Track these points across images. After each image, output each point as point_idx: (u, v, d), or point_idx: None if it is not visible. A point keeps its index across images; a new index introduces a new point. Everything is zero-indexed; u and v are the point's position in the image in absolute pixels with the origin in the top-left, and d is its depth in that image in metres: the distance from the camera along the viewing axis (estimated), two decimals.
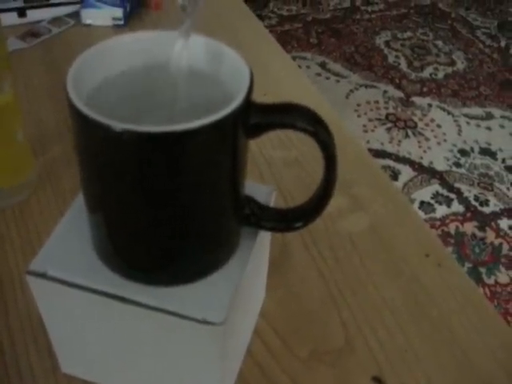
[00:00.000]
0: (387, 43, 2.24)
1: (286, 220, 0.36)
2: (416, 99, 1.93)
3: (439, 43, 2.25)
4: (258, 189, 0.38)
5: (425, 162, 1.66)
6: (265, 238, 0.39)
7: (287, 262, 0.51)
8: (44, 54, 0.79)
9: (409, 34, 2.31)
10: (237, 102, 0.28)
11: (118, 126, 0.27)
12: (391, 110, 1.87)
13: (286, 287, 0.49)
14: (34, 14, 0.84)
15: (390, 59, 2.14)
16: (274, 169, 0.60)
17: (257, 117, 0.30)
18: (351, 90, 1.97)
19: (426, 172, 1.63)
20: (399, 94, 1.96)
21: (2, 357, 0.43)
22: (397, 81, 2.02)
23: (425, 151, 1.70)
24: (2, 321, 0.45)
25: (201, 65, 0.33)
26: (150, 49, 0.33)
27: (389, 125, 1.81)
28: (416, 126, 1.81)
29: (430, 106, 1.91)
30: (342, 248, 0.52)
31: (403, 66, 2.11)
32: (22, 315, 0.46)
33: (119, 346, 0.36)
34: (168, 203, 0.30)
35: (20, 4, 0.83)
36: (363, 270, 0.50)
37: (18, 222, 0.54)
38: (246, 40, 0.83)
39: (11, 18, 0.83)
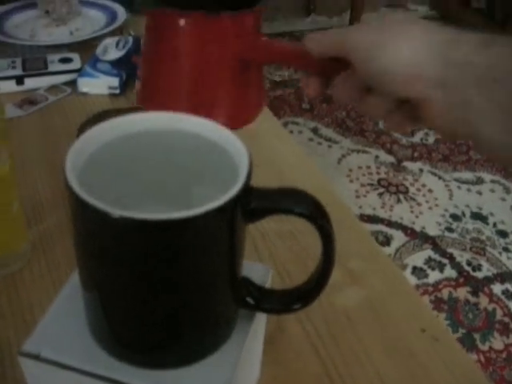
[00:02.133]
0: None
1: (284, 302, 0.35)
2: (407, 164, 1.96)
3: None
4: (255, 268, 0.38)
5: (417, 227, 1.67)
6: (261, 318, 0.39)
7: (282, 338, 0.50)
8: (41, 121, 0.80)
9: None
10: (236, 188, 0.29)
11: (115, 212, 0.27)
12: (383, 175, 1.89)
13: (281, 364, 0.48)
14: (31, 82, 0.85)
15: (381, 124, 2.18)
16: (268, 241, 0.60)
17: (256, 203, 0.30)
18: (343, 155, 1.99)
19: (419, 237, 1.63)
20: (391, 159, 1.98)
21: None
22: (388, 146, 2.05)
23: (417, 216, 1.71)
24: None
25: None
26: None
27: (381, 190, 1.82)
28: (408, 190, 1.82)
29: (421, 170, 1.93)
30: (337, 323, 0.52)
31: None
32: None
33: None
34: (165, 288, 0.30)
35: (19, 72, 0.85)
36: (359, 345, 0.50)
37: (11, 294, 0.53)
38: None
39: (9, 86, 0.84)
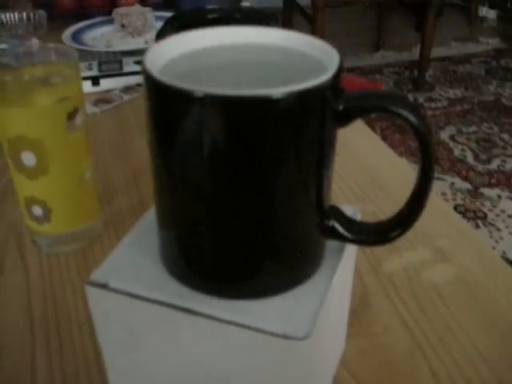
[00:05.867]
0: (452, 137, 2.22)
1: (378, 231, 0.31)
2: (484, 190, 1.87)
3: (505, 136, 2.21)
4: (342, 208, 0.35)
5: (497, 253, 1.58)
6: (350, 257, 0.35)
7: (368, 311, 0.46)
8: (115, 117, 0.80)
9: (474, 128, 2.28)
10: (331, 72, 0.26)
11: (200, 90, 0.24)
12: (460, 202, 1.82)
13: (368, 336, 0.43)
14: (107, 83, 0.86)
15: (456, 152, 2.11)
16: None
17: (346, 102, 0.27)
18: None
19: None
20: (467, 185, 1.90)
21: None
22: (464, 173, 1.97)
23: (497, 241, 1.62)
24: (57, 362, 0.42)
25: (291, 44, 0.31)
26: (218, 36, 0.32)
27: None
28: (486, 216, 1.74)
29: (499, 196, 1.84)
30: (427, 298, 0.47)
31: (470, 158, 2.07)
32: (78, 358, 0.42)
33: (184, 367, 0.31)
34: (246, 196, 0.27)
35: (94, 73, 0.85)
36: (452, 319, 0.45)
37: (81, 268, 0.51)
38: None
39: (86, 87, 0.85)
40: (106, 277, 0.31)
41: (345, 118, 0.28)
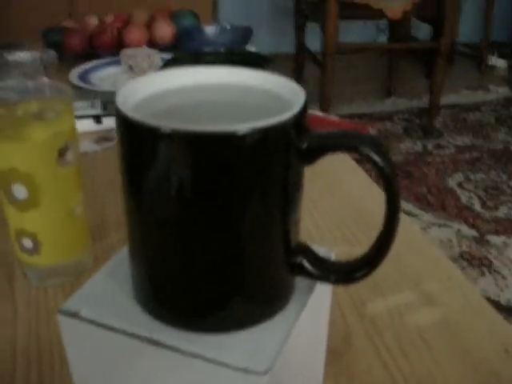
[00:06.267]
0: (460, 184, 2.22)
1: (346, 270, 0.32)
2: (491, 238, 1.86)
3: None
4: (315, 248, 0.35)
5: (503, 301, 1.56)
6: (324, 296, 0.35)
7: (350, 352, 0.46)
8: (114, 155, 0.81)
9: (482, 175, 2.28)
10: (295, 110, 0.27)
11: (166, 126, 0.25)
12: (465, 249, 1.80)
13: (347, 377, 0.43)
14: (109, 122, 0.88)
15: (464, 199, 2.10)
16: None
17: (311, 140, 0.28)
18: (423, 229, 1.92)
19: (505, 311, 1.52)
20: (473, 232, 1.89)
21: None
22: (471, 220, 1.97)
23: (502, 290, 1.60)
24: None
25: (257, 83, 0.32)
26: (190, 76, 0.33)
27: (463, 263, 1.73)
28: (492, 264, 1.72)
29: (505, 244, 1.83)
30: (410, 343, 0.47)
31: (477, 206, 2.06)
32: None
33: None
34: (212, 233, 0.28)
35: (97, 111, 0.87)
36: (434, 365, 0.44)
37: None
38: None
39: (88, 125, 0.87)
40: (78, 306, 0.32)
41: (309, 156, 0.28)
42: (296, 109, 0.27)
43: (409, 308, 0.50)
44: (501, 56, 3.52)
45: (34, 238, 0.50)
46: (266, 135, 0.26)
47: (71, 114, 0.50)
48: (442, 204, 2.10)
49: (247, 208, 0.27)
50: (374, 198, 0.70)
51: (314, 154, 0.28)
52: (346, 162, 0.79)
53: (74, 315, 0.31)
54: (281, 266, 0.31)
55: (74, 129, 0.50)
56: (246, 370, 0.27)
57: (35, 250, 0.51)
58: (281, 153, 0.27)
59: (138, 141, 0.27)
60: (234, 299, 0.30)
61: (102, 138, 0.85)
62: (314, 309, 0.33)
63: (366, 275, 0.31)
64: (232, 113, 0.30)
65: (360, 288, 0.53)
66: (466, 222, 1.97)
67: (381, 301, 0.51)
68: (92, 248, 0.57)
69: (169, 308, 0.31)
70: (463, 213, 2.02)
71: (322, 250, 0.35)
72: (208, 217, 0.27)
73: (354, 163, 0.79)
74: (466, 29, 3.54)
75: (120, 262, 0.35)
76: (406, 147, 2.56)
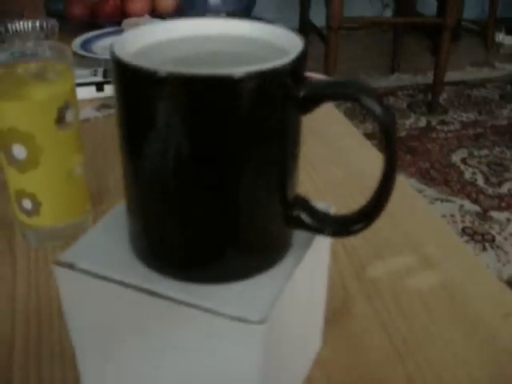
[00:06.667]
0: (464, 160, 2.21)
1: (344, 223, 0.32)
2: (494, 214, 1.86)
3: None
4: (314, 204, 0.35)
5: (505, 276, 1.56)
6: (322, 252, 0.35)
7: (348, 314, 0.46)
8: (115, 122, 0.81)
9: (485, 151, 2.27)
10: (292, 56, 0.26)
11: (163, 69, 0.25)
12: (468, 224, 1.80)
13: (346, 338, 0.43)
14: (110, 89, 0.87)
15: (467, 175, 2.10)
16: None
17: (308, 86, 0.28)
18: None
19: (507, 285, 1.52)
20: (476, 208, 1.89)
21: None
22: (474, 196, 1.96)
23: (504, 264, 1.61)
24: (34, 348, 0.42)
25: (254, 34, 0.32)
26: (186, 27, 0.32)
27: (466, 238, 1.73)
28: (494, 239, 1.72)
29: (508, 220, 1.82)
30: (409, 304, 0.47)
31: (480, 181, 2.05)
32: (55, 345, 0.43)
33: (147, 348, 0.32)
34: (209, 181, 0.27)
35: (99, 79, 0.87)
36: (432, 326, 0.45)
37: None
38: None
39: (90, 92, 0.86)
40: (75, 258, 0.32)
41: (306, 105, 0.28)
42: (293, 55, 0.27)
43: (409, 272, 0.50)
44: (508, 33, 3.48)
45: (33, 198, 0.50)
46: (262, 80, 0.26)
47: (71, 74, 0.50)
48: (445, 179, 2.09)
49: (243, 156, 0.27)
50: (372, 161, 0.70)
51: (310, 102, 0.28)
52: (346, 128, 0.79)
53: (71, 266, 0.31)
54: (278, 218, 0.31)
55: (73, 89, 0.50)
56: (241, 319, 0.27)
57: (34, 210, 0.51)
58: (277, 100, 0.27)
59: (134, 87, 0.27)
60: (230, 250, 0.30)
61: (104, 105, 0.85)
62: (311, 263, 0.33)
63: (363, 228, 0.30)
64: (231, 61, 0.30)
65: (360, 252, 0.53)
66: (468, 197, 1.96)
67: (381, 264, 0.51)
68: (91, 212, 0.57)
69: (165, 259, 0.31)
70: (466, 188, 2.02)
71: (320, 205, 0.35)
72: (204, 165, 0.27)
73: (354, 129, 0.79)
74: (472, 5, 3.51)
75: (116, 215, 0.35)
76: (409, 123, 2.55)
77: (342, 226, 0.31)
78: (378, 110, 0.27)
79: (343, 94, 0.28)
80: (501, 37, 3.50)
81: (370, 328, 0.44)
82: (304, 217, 0.31)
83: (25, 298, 0.47)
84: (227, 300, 0.29)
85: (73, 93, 0.50)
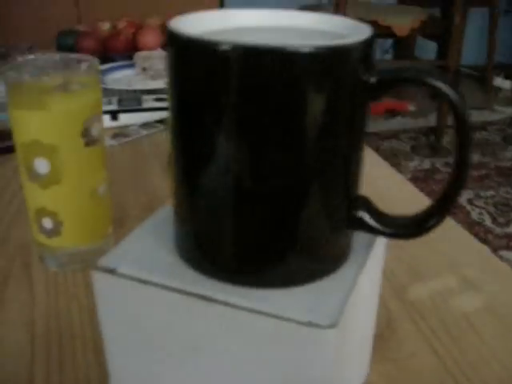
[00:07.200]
0: (470, 201, 2.19)
1: (413, 223, 0.29)
2: (503, 253, 1.83)
3: None
4: None
5: None
6: (380, 253, 0.33)
7: (394, 337, 0.42)
8: (132, 150, 0.79)
9: (491, 192, 2.26)
10: (361, 37, 0.24)
11: (227, 41, 0.23)
12: None
13: (394, 361, 0.40)
14: (125, 118, 0.85)
15: (474, 216, 2.08)
16: None
17: (381, 71, 0.26)
18: None
19: None
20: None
21: None
22: (482, 235, 1.94)
23: None
24: (56, 381, 0.39)
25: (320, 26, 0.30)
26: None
27: None
28: None
29: None
30: (456, 325, 0.44)
31: (488, 221, 2.03)
32: (79, 377, 0.39)
33: (197, 365, 0.28)
34: (269, 174, 0.25)
35: (114, 107, 0.85)
36: (485, 348, 0.41)
37: (88, 286, 0.49)
38: None
39: (105, 121, 0.84)
40: (116, 262, 0.29)
41: (376, 90, 0.26)
42: (363, 36, 0.25)
43: (451, 293, 0.48)
44: (506, 77, 3.52)
45: (54, 217, 0.47)
46: (333, 57, 0.24)
47: (97, 86, 0.48)
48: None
49: (308, 143, 0.25)
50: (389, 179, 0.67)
51: (381, 87, 0.26)
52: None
53: (112, 271, 0.28)
54: (340, 219, 0.28)
55: (99, 102, 0.48)
56: (311, 324, 0.25)
57: (55, 230, 0.48)
58: (347, 82, 0.25)
59: (196, 62, 0.24)
60: (289, 252, 0.27)
61: (119, 134, 0.83)
62: (372, 268, 0.31)
63: (435, 224, 0.28)
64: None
65: (398, 273, 0.50)
66: (477, 237, 1.93)
67: (421, 286, 0.48)
68: (113, 236, 0.54)
69: (219, 261, 0.28)
70: (474, 229, 1.99)
71: None
72: (264, 153, 0.25)
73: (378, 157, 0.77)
74: (470, 51, 3.55)
75: (157, 220, 0.33)
76: (414, 165, 2.54)
77: (414, 227, 0.29)
78: (449, 92, 0.25)
79: (414, 78, 0.26)
80: (499, 81, 3.53)
81: (418, 351, 0.41)
82: (368, 218, 0.29)
83: (44, 323, 0.44)
84: (292, 304, 0.26)
85: (99, 106, 0.47)
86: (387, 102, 2.79)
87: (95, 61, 0.48)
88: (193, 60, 0.25)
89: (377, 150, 2.74)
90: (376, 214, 0.29)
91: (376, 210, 0.29)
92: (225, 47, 0.23)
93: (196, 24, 0.27)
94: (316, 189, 0.26)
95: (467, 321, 0.44)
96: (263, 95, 0.24)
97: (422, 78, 0.26)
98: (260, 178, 0.25)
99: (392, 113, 3.02)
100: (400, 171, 2.24)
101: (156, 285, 0.27)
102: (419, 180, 2.37)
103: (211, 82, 0.24)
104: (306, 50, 0.23)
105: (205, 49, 0.24)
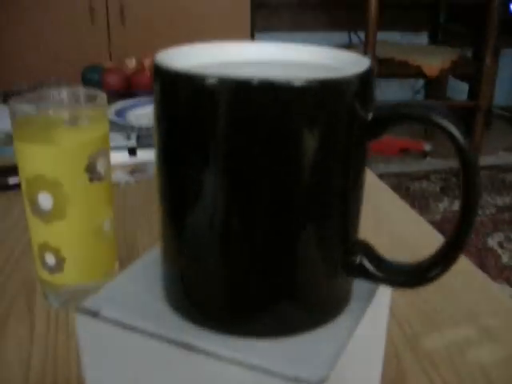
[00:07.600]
0: (500, 244, 2.13)
1: (415, 270, 0.27)
2: None
3: None
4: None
5: None
6: (382, 304, 0.30)
7: None
8: (148, 187, 0.78)
9: None
10: (358, 69, 0.23)
11: (213, 75, 0.22)
12: None
13: None
14: (144, 154, 0.85)
15: (504, 259, 2.02)
16: None
17: (379, 107, 0.24)
18: None
19: None
20: None
21: None
22: None
23: None
24: None
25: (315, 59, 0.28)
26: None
27: None
28: None
29: None
30: (472, 379, 0.41)
31: None
32: None
33: None
34: (261, 216, 0.24)
35: (132, 144, 0.85)
36: None
37: None
38: None
39: (123, 157, 0.84)
40: (100, 305, 0.27)
41: (375, 127, 0.24)
42: (360, 69, 0.23)
43: (468, 343, 0.45)
44: None
45: (57, 253, 0.46)
46: (324, 91, 0.22)
47: (105, 121, 0.47)
48: (481, 263, 2.01)
49: (300, 183, 0.23)
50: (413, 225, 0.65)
51: (379, 125, 0.24)
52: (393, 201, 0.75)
53: (95, 314, 0.27)
54: (337, 265, 0.26)
55: (106, 138, 0.47)
56: (297, 380, 0.23)
57: (58, 267, 0.47)
58: (341, 117, 0.23)
59: (183, 96, 0.23)
60: (281, 301, 0.25)
61: (136, 169, 0.82)
62: (372, 319, 0.29)
63: (440, 274, 0.26)
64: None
65: (413, 322, 0.47)
66: (507, 281, 1.88)
67: (436, 335, 0.46)
68: (118, 270, 0.53)
69: (206, 309, 0.26)
70: (505, 273, 1.94)
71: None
72: (253, 194, 0.23)
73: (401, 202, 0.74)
74: (502, 92, 3.51)
75: (145, 263, 0.31)
76: (443, 206, 2.50)
77: (414, 274, 0.27)
78: (453, 131, 0.23)
79: (417, 115, 0.24)
80: None
81: None
82: (368, 264, 0.27)
83: (41, 361, 0.43)
84: (279, 357, 0.24)
85: (105, 141, 0.47)
86: (402, 141, 2.76)
87: (103, 95, 0.47)
88: (180, 94, 0.24)
89: (406, 190, 2.71)
90: (376, 260, 0.27)
91: (377, 255, 0.27)
92: (212, 81, 0.22)
93: (183, 58, 0.26)
94: (310, 233, 0.24)
95: (484, 373, 0.42)
96: (251, 132, 0.22)
97: (422, 115, 0.24)
98: (249, 220, 0.24)
99: (406, 152, 3.00)
100: (429, 213, 2.20)
101: (138, 330, 0.26)
102: (449, 222, 2.32)
103: (198, 117, 0.23)
104: (295, 83, 0.22)
105: (191, 82, 0.23)
